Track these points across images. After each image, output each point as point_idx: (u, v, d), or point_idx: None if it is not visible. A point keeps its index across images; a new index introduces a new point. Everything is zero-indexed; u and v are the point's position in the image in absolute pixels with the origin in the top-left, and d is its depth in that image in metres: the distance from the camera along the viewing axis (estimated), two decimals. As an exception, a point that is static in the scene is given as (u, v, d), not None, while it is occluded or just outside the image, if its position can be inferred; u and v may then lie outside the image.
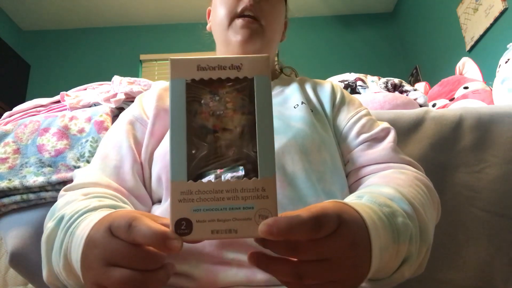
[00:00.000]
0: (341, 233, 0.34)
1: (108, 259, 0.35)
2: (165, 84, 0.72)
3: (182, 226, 0.32)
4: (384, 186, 0.49)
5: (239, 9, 0.66)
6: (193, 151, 0.33)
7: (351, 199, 0.46)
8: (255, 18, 0.66)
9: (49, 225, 0.46)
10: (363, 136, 0.62)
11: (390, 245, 0.40)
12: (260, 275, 0.46)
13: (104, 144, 0.62)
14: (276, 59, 0.84)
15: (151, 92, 0.68)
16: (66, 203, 0.49)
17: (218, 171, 0.33)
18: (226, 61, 0.33)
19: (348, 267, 0.35)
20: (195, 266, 0.48)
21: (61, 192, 0.55)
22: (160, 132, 0.62)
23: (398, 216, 0.42)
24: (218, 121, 0.33)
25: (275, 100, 0.66)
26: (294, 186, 0.52)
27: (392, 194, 0.46)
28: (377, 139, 0.62)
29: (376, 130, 0.62)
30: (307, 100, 0.66)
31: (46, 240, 0.45)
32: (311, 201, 0.51)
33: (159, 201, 0.58)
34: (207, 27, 0.78)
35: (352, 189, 0.60)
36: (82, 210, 0.44)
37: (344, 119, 0.65)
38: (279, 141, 0.55)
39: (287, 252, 0.33)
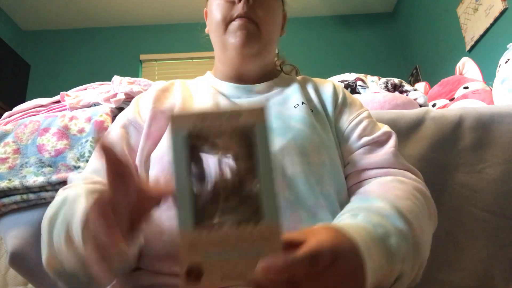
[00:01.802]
0: (337, 266, 0.35)
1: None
2: (162, 84, 0.71)
3: (193, 274, 0.32)
4: (381, 200, 0.49)
5: (235, 14, 0.66)
6: (197, 199, 0.34)
7: (345, 219, 0.47)
8: (251, 20, 0.66)
9: (50, 209, 0.48)
10: (365, 139, 0.62)
11: (384, 266, 0.40)
12: None
13: None
14: (276, 57, 0.83)
15: (148, 94, 0.68)
16: (68, 192, 0.50)
17: (218, 217, 0.34)
18: (226, 112, 0.34)
19: None
20: None
21: (59, 192, 0.55)
22: (156, 134, 0.61)
23: (391, 236, 0.43)
24: (219, 168, 0.34)
25: (275, 100, 0.66)
26: (294, 188, 0.52)
27: (387, 211, 0.46)
28: (379, 142, 0.62)
29: (377, 133, 0.63)
30: (307, 100, 0.66)
31: (49, 221, 0.47)
32: (310, 203, 0.51)
33: None
34: (206, 30, 0.78)
35: (351, 190, 0.60)
36: (86, 191, 0.46)
37: (346, 121, 0.66)
38: (278, 143, 0.55)
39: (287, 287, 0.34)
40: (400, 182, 0.54)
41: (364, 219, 0.44)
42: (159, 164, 0.56)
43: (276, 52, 0.79)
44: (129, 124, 0.63)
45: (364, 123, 0.65)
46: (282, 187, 0.52)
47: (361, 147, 0.62)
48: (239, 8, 0.65)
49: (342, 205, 0.55)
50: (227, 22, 0.66)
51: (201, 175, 0.34)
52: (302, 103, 0.64)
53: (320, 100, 0.68)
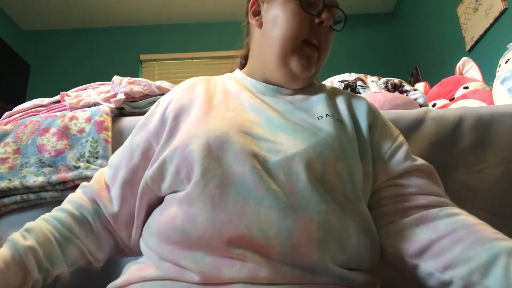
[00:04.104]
0: None
1: None
2: (185, 84, 0.70)
3: None
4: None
5: (309, 38, 0.64)
6: None
7: None
8: (317, 48, 0.66)
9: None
10: (409, 163, 0.62)
11: None
12: (263, 273, 0.47)
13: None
14: None
15: (169, 96, 0.67)
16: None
17: None
18: None
19: None
20: (200, 258, 0.49)
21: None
22: (176, 131, 0.61)
23: None
24: None
25: (299, 106, 0.65)
26: (307, 192, 0.52)
27: None
28: (425, 172, 0.63)
29: (420, 162, 0.63)
30: (334, 111, 0.65)
31: None
32: (322, 208, 0.51)
33: (173, 192, 0.57)
34: (256, 23, 0.70)
35: (405, 213, 0.59)
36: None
37: (388, 141, 0.65)
38: (298, 147, 0.54)
39: None
40: (468, 215, 0.57)
41: None
42: (180, 155, 0.55)
43: None
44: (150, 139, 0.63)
45: (405, 146, 0.65)
46: (295, 190, 0.51)
47: (408, 171, 0.62)
48: (316, 33, 0.64)
49: (357, 213, 0.55)
50: (299, 41, 0.64)
51: None
52: (327, 115, 0.63)
53: (351, 114, 0.67)
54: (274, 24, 0.66)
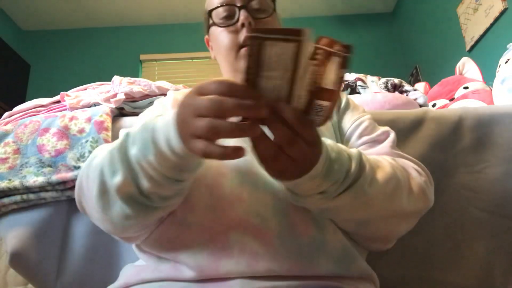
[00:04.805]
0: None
1: (196, 112, 0.39)
2: (179, 92, 0.79)
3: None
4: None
5: (241, 40, 0.70)
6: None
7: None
8: None
9: (113, 145, 0.49)
10: (365, 138, 0.66)
11: (319, 174, 0.45)
12: (261, 262, 0.49)
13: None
14: None
15: (168, 97, 0.75)
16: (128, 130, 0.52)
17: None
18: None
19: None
20: (198, 252, 0.50)
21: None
22: None
23: (335, 163, 0.47)
24: None
25: None
26: None
27: (353, 153, 0.50)
28: (378, 141, 0.66)
29: (377, 133, 0.66)
30: None
31: (119, 147, 0.47)
32: None
33: None
34: (212, 56, 0.82)
35: None
36: (154, 117, 0.48)
37: (348, 121, 0.69)
38: None
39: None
40: (389, 158, 0.57)
41: (333, 143, 0.49)
42: None
43: None
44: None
45: (365, 124, 0.68)
46: None
47: (361, 145, 0.66)
48: (243, 33, 0.70)
49: None
50: (236, 49, 0.71)
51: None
52: None
53: None
54: (217, 50, 0.77)
